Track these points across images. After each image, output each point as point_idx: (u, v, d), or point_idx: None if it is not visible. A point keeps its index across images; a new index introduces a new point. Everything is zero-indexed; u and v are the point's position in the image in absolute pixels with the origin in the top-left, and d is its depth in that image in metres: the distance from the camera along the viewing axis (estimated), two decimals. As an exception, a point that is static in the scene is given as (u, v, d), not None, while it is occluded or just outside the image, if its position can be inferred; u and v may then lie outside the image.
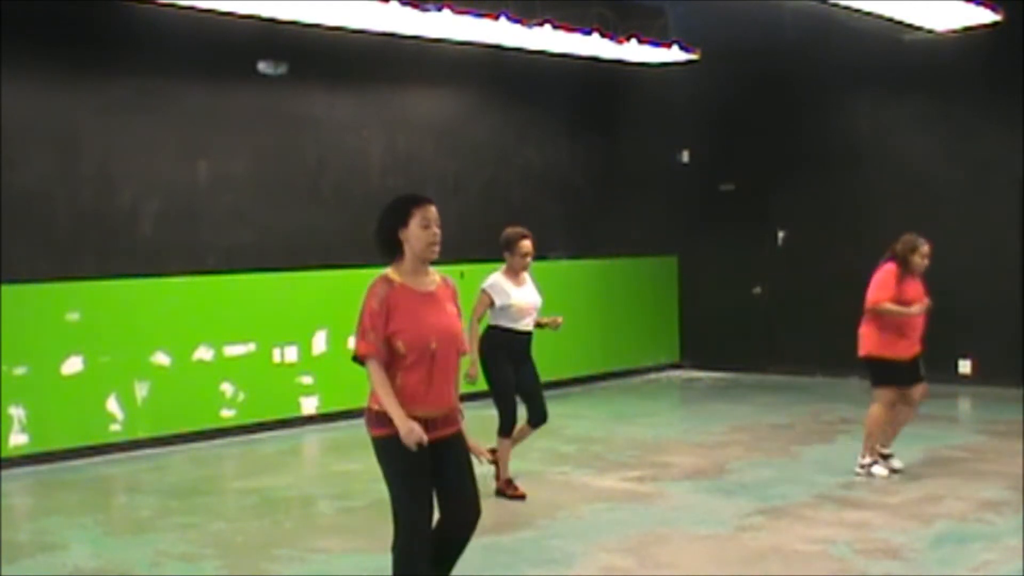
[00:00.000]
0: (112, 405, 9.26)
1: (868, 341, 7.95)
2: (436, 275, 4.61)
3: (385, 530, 6.83)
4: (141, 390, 9.42)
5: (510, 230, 7.61)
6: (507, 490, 7.55)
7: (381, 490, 7.92)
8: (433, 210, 4.50)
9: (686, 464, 8.59)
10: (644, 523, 6.85)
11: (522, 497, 7.51)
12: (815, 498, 7.36)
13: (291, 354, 10.34)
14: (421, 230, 4.44)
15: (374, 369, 4.40)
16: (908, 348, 7.92)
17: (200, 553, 6.41)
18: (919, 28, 11.01)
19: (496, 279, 7.49)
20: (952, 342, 12.02)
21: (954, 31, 11.05)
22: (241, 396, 10.02)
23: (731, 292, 13.79)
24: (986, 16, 10.29)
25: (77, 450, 9.04)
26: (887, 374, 7.90)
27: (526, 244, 7.53)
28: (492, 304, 7.41)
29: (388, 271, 4.51)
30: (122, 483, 8.56)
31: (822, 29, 11.73)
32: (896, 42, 11.73)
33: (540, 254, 11.87)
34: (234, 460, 9.35)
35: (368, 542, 6.58)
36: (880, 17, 10.34)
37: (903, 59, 12.05)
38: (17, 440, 8.77)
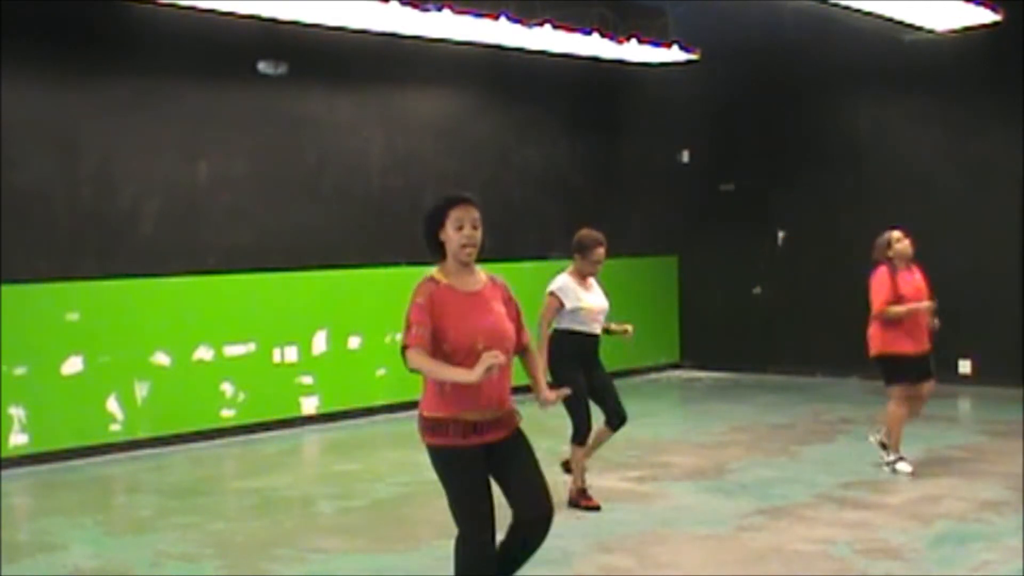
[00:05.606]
0: (112, 405, 9.26)
1: None
2: (483, 275, 4.54)
3: (385, 530, 6.86)
4: (141, 390, 9.42)
5: (587, 233, 7.11)
6: (580, 500, 7.16)
7: (381, 490, 7.97)
8: (467, 210, 4.42)
9: (686, 464, 8.58)
10: (644, 523, 6.84)
11: (597, 508, 7.11)
12: (815, 498, 7.36)
13: (291, 354, 10.33)
14: (455, 232, 4.39)
15: (417, 355, 4.24)
16: None
17: (200, 553, 6.41)
18: (919, 28, 11.00)
19: (564, 281, 7.02)
20: (952, 342, 11.99)
21: (954, 31, 11.04)
22: (241, 396, 10.02)
23: (731, 292, 13.78)
24: (986, 16, 10.29)
25: (77, 450, 9.04)
26: None
27: (601, 252, 7.06)
28: (561, 307, 6.94)
29: (433, 271, 4.45)
30: (122, 483, 8.56)
31: (822, 29, 11.72)
32: (896, 42, 11.73)
33: (540, 254, 12.05)
34: (234, 460, 9.35)
35: (368, 542, 6.59)
36: (880, 17, 10.33)
37: (903, 59, 12.04)
38: (17, 440, 8.77)
